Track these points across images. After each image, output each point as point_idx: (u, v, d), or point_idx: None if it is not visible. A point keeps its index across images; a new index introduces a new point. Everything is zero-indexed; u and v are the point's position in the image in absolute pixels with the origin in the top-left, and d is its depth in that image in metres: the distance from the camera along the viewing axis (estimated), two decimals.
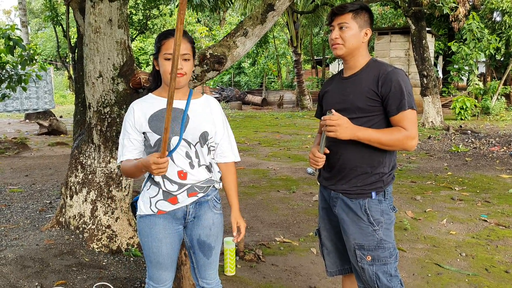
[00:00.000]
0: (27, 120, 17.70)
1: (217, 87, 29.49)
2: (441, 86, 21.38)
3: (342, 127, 2.14)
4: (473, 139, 11.02)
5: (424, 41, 13.78)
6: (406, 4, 14.14)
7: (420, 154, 9.48)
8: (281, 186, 6.82)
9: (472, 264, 3.94)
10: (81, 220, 4.02)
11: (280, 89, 29.15)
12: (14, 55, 8.50)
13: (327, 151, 2.34)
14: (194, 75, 3.68)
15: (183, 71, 2.11)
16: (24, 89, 9.31)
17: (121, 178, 3.99)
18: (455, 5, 15.18)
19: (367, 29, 2.30)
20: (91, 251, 3.82)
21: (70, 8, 4.71)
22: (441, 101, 14.72)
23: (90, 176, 3.99)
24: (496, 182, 6.90)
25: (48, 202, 5.70)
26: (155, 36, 28.10)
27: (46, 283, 3.24)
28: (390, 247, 2.31)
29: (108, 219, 3.96)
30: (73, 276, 3.38)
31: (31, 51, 8.65)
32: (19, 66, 8.85)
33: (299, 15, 21.26)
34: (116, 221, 3.98)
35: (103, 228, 3.94)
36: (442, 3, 13.29)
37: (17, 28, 8.20)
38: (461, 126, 13.44)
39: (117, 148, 3.79)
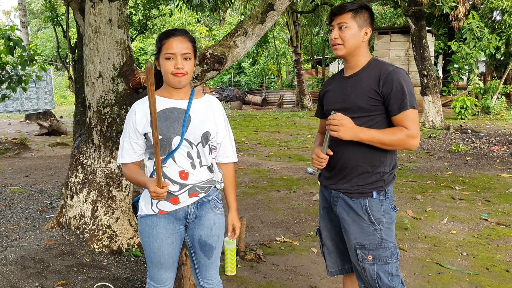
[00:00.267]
0: (27, 121, 17.70)
1: (217, 87, 29.48)
2: (441, 85, 21.37)
3: (345, 127, 2.15)
4: (473, 139, 11.02)
5: (424, 41, 13.78)
6: (406, 4, 14.14)
7: (420, 154, 9.48)
8: (282, 186, 6.82)
9: (473, 263, 3.94)
10: (82, 221, 4.02)
11: (280, 89, 29.15)
12: (14, 55, 8.49)
13: (331, 153, 2.34)
14: (194, 75, 3.68)
15: (184, 70, 2.11)
16: (24, 89, 9.30)
17: (121, 178, 3.99)
18: (455, 4, 15.18)
19: (367, 28, 2.30)
20: (91, 251, 3.81)
21: (70, 8, 4.71)
22: (441, 101, 14.72)
23: (90, 177, 3.99)
24: (497, 181, 6.89)
25: (48, 202, 5.70)
26: (155, 36, 28.11)
27: (46, 284, 3.24)
28: (391, 246, 2.31)
29: (108, 219, 3.96)
30: (74, 276, 3.37)
31: (31, 52, 8.65)
32: (19, 67, 8.85)
33: (299, 14, 21.26)
34: (117, 221, 3.98)
35: (104, 228, 3.94)
36: (442, 3, 13.28)
37: (17, 29, 8.20)
38: (461, 126, 13.44)
39: (117, 148, 3.79)
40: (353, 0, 2.37)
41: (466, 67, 16.79)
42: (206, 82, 4.00)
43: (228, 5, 15.72)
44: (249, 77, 31.45)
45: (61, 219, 4.17)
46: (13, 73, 9.10)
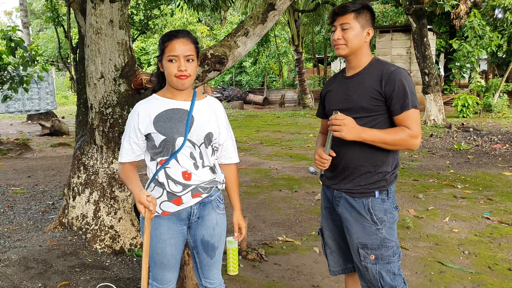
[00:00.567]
0: (29, 121, 17.73)
1: (218, 87, 29.47)
2: (443, 83, 21.34)
3: (348, 127, 2.15)
4: (475, 137, 11.00)
5: (425, 39, 13.75)
6: (407, 2, 14.11)
7: (422, 152, 9.48)
8: (283, 185, 6.82)
9: (475, 262, 3.94)
10: (84, 221, 4.03)
11: (281, 88, 29.13)
12: (16, 56, 8.52)
13: (333, 154, 2.34)
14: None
15: (187, 72, 2.11)
16: (26, 90, 9.32)
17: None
18: (456, 2, 15.16)
19: (369, 28, 2.30)
20: (94, 251, 3.82)
21: (71, 9, 4.72)
22: (443, 99, 14.69)
23: (92, 177, 4.00)
24: (499, 180, 6.89)
25: (50, 203, 5.71)
26: (156, 36, 28.12)
27: (49, 284, 3.25)
28: (393, 245, 2.31)
29: (111, 220, 3.97)
30: (76, 276, 3.39)
31: (33, 52, 8.67)
32: (21, 67, 8.87)
33: (300, 13, 21.25)
34: (119, 221, 3.99)
35: (106, 229, 3.95)
36: (443, 1, 13.27)
37: (18, 30, 8.22)
38: (463, 124, 13.42)
39: (119, 149, 3.80)
40: None
41: (468, 65, 16.75)
42: (208, 82, 4.01)
43: (229, 4, 15.73)
44: (250, 76, 31.44)
45: (63, 220, 4.19)
46: (14, 73, 9.13)
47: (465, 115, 15.32)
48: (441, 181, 6.86)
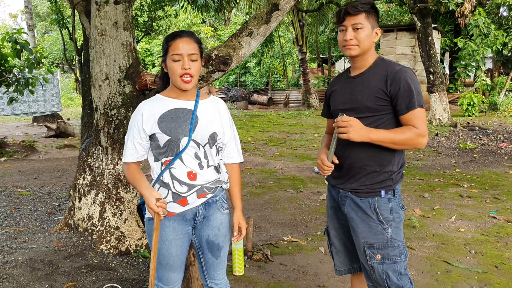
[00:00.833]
0: (35, 123, 17.80)
1: (223, 87, 29.50)
2: (448, 82, 21.26)
3: (354, 128, 2.13)
4: (481, 136, 10.95)
5: (430, 38, 13.71)
6: (412, 1, 14.07)
7: (427, 151, 9.44)
8: (288, 185, 6.81)
9: (482, 261, 3.92)
10: (90, 222, 4.04)
11: (286, 88, 29.11)
12: (21, 58, 8.55)
13: (336, 161, 2.34)
14: (199, 76, 3.69)
15: (190, 71, 2.12)
16: (32, 92, 9.35)
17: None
18: (461, 1, 15.09)
19: (378, 28, 2.30)
20: (100, 252, 3.84)
21: (75, 11, 4.73)
22: (448, 98, 14.63)
23: (98, 178, 4.01)
24: (505, 179, 6.85)
25: (56, 204, 5.73)
26: (160, 37, 28.20)
27: (56, 285, 3.27)
28: (399, 245, 2.31)
29: (116, 221, 3.98)
30: (83, 278, 3.40)
31: (38, 55, 8.70)
32: (26, 70, 8.90)
33: (304, 13, 21.23)
34: (125, 222, 4.00)
35: (112, 230, 3.96)
36: None
37: (23, 32, 8.25)
38: (468, 123, 13.36)
39: None
40: None
41: (473, 63, 16.69)
42: (212, 82, 4.01)
43: (233, 5, 15.73)
44: (254, 76, 31.45)
45: (69, 221, 4.20)
46: (20, 76, 9.16)
47: (470, 114, 15.26)
48: (447, 180, 6.84)
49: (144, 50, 31.03)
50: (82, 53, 5.05)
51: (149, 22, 15.31)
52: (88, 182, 4.06)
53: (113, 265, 3.68)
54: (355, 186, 2.33)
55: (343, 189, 2.39)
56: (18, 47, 7.94)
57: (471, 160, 8.40)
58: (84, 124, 4.75)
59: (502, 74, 20.00)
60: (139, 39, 16.37)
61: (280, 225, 5.01)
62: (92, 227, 4.02)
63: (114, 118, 3.84)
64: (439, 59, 15.61)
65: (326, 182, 2.53)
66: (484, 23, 15.29)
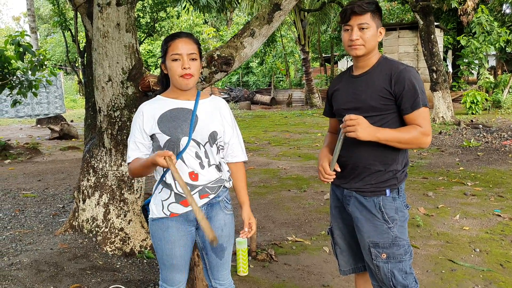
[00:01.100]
0: (38, 125, 17.85)
1: (225, 88, 29.51)
2: (451, 80, 21.20)
3: (362, 126, 2.12)
4: (484, 133, 10.91)
5: (432, 36, 13.67)
6: None
7: (431, 150, 9.42)
8: (292, 185, 6.81)
9: (487, 259, 3.91)
10: (94, 224, 4.05)
11: (288, 88, 29.10)
12: (24, 61, 8.57)
13: (338, 169, 2.35)
14: (202, 77, 3.69)
15: (190, 70, 2.12)
16: (35, 94, 9.37)
17: (133, 181, 4.02)
18: None
19: (382, 28, 2.30)
20: (104, 254, 3.84)
21: (78, 13, 4.74)
22: (451, 96, 14.59)
23: (102, 180, 4.02)
24: (509, 176, 6.83)
25: (61, 206, 5.75)
26: (163, 38, 28.20)
27: (61, 287, 3.28)
28: (404, 244, 2.31)
29: (120, 222, 3.99)
30: (88, 279, 3.40)
31: (41, 57, 8.71)
32: (29, 72, 8.93)
33: (306, 13, 21.23)
34: (129, 223, 4.01)
35: (116, 231, 3.97)
36: None
37: (26, 35, 8.27)
38: (472, 121, 13.33)
39: None
40: None
41: (476, 61, 16.63)
42: (215, 83, 4.02)
43: (235, 5, 15.74)
44: (257, 76, 31.44)
45: (74, 223, 4.21)
46: (23, 78, 9.18)
47: (474, 112, 15.22)
48: (451, 179, 6.82)
49: (147, 52, 31.07)
50: (85, 55, 5.07)
51: (152, 24, 15.33)
52: (92, 184, 4.07)
53: (117, 266, 3.68)
54: (360, 185, 2.33)
55: (347, 189, 2.39)
56: (21, 49, 7.96)
57: (475, 158, 8.37)
58: (87, 126, 4.76)
59: (506, 71, 19.94)
60: (142, 40, 16.40)
61: (284, 225, 5.01)
62: (96, 229, 4.03)
63: (118, 120, 3.84)
64: (442, 57, 15.56)
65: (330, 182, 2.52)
66: (487, 20, 15.23)
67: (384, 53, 17.52)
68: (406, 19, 23.26)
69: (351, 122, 2.12)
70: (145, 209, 2.38)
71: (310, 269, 3.84)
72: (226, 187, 2.33)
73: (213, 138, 2.22)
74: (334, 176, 2.36)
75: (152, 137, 2.19)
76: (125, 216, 4.00)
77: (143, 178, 4.11)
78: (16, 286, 3.23)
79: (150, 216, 2.27)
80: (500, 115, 15.00)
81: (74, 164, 8.95)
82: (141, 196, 4.09)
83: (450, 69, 23.08)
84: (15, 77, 9.12)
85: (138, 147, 2.20)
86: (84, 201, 4.11)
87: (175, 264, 2.26)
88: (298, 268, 3.86)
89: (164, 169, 2.19)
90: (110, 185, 4.00)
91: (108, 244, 3.92)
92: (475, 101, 15.15)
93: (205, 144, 2.20)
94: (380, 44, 19.58)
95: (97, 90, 3.88)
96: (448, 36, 21.60)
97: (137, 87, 3.81)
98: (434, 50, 13.64)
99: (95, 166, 4.06)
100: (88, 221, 4.08)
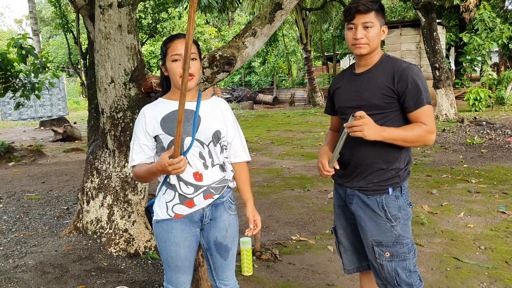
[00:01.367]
0: (42, 128, 17.91)
1: (228, 88, 29.53)
2: (454, 77, 21.16)
3: (369, 126, 2.11)
4: (488, 130, 10.89)
5: (435, 33, 13.64)
6: None
7: (435, 147, 9.40)
8: (296, 184, 6.81)
9: (492, 257, 3.90)
10: (98, 225, 4.06)
11: (291, 87, 29.09)
12: (27, 63, 8.59)
13: (337, 166, 2.36)
14: (204, 77, 3.70)
15: (191, 70, 2.12)
16: (38, 97, 9.40)
17: (137, 182, 4.02)
18: None
19: (385, 26, 2.29)
20: (109, 255, 3.85)
21: (80, 15, 4.75)
22: (454, 93, 14.56)
23: (105, 181, 4.03)
24: None
25: (65, 208, 5.76)
26: (165, 39, 28.18)
27: None
28: (408, 242, 2.30)
29: (125, 223, 3.99)
30: (93, 280, 3.41)
31: (43, 59, 8.74)
32: (32, 75, 8.95)
33: (307, 12, 21.20)
34: (133, 224, 4.01)
35: (120, 232, 3.98)
36: None
37: (28, 37, 8.30)
38: (475, 118, 13.29)
39: None
40: None
41: (479, 58, 16.58)
42: (217, 83, 4.02)
43: (237, 5, 15.75)
44: (259, 76, 31.44)
45: (78, 224, 4.22)
46: (26, 81, 9.21)
47: (477, 109, 15.17)
48: (455, 176, 6.80)
49: (149, 53, 31.11)
50: (87, 57, 5.07)
51: (153, 24, 15.35)
52: (96, 185, 4.07)
53: (122, 267, 3.69)
54: (362, 184, 2.33)
55: (350, 188, 2.39)
56: (23, 52, 7.98)
57: (479, 155, 8.35)
58: (90, 127, 4.77)
59: (509, 68, 19.85)
60: (144, 41, 16.42)
61: (288, 224, 5.01)
62: (100, 230, 4.04)
63: (121, 121, 3.85)
64: (444, 55, 15.53)
65: (333, 181, 2.52)
66: (489, 17, 15.18)
67: (386, 51, 17.44)
68: (408, 16, 23.23)
69: (358, 122, 2.11)
70: (148, 211, 2.38)
71: (315, 268, 3.84)
72: (230, 187, 2.34)
73: (216, 137, 2.22)
74: (333, 172, 2.37)
75: (156, 138, 2.19)
76: (129, 217, 4.01)
77: None
78: None
79: (154, 217, 2.27)
80: (504, 112, 14.95)
81: (78, 166, 8.97)
82: (145, 197, 4.10)
83: (453, 66, 23.02)
84: (18, 79, 9.14)
85: (142, 149, 2.20)
86: (88, 202, 4.12)
87: (180, 265, 2.27)
88: (302, 267, 3.86)
89: None
90: (114, 186, 4.01)
91: (113, 245, 3.93)
92: (478, 98, 15.10)
93: (208, 144, 2.20)
94: (382, 42, 19.50)
95: (99, 91, 3.89)
96: (451, 33, 21.54)
97: (140, 88, 3.82)
98: (436, 47, 13.61)
99: (98, 168, 4.07)
100: (93, 222, 4.09)
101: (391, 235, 2.28)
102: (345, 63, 31.25)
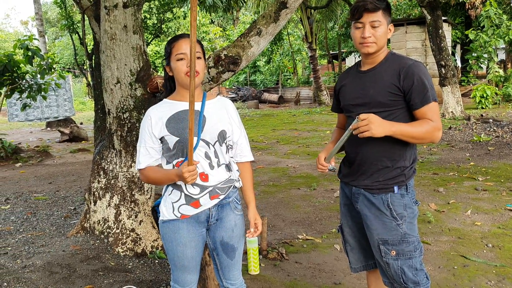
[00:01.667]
0: (48, 128, 18.00)
1: (233, 87, 29.54)
2: (460, 75, 21.06)
3: (375, 124, 2.09)
4: (495, 128, 10.83)
5: (440, 31, 13.57)
6: None
7: (441, 145, 9.37)
8: (302, 183, 6.81)
9: (499, 255, 3.88)
10: (106, 225, 4.07)
11: (296, 86, 29.07)
12: (33, 65, 8.64)
13: (333, 163, 2.40)
14: (209, 77, 3.70)
15: (196, 68, 2.13)
16: (44, 97, 9.47)
17: (143, 182, 4.03)
18: None
19: (391, 24, 2.29)
20: (116, 255, 3.87)
21: (85, 16, 4.77)
22: (460, 91, 14.48)
23: (112, 181, 4.05)
24: None
25: (72, 208, 5.79)
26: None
27: None
28: (414, 240, 2.29)
29: (132, 223, 4.01)
30: (100, 280, 3.43)
31: (50, 60, 8.79)
32: (39, 76, 9.02)
33: (312, 10, 21.16)
34: (140, 224, 4.03)
35: (127, 232, 3.99)
36: None
37: (35, 38, 8.35)
38: (482, 115, 13.22)
39: None
40: None
41: (485, 55, 16.49)
42: (222, 82, 4.02)
43: (241, 4, 15.75)
44: (264, 75, 31.44)
45: (85, 224, 4.24)
46: (32, 82, 9.27)
47: (484, 106, 15.09)
48: (461, 174, 6.77)
49: (154, 53, 31.17)
50: (93, 58, 5.09)
51: (158, 25, 15.39)
52: (102, 185, 4.09)
53: (129, 267, 3.70)
54: (368, 182, 2.32)
55: (355, 186, 2.39)
56: (29, 53, 8.04)
57: (486, 153, 8.31)
58: (97, 128, 4.79)
59: None
60: (149, 41, 16.46)
61: (294, 223, 5.01)
62: (107, 230, 4.06)
63: (127, 121, 3.86)
64: (450, 52, 15.45)
65: (331, 170, 2.51)
66: (495, 13, 15.09)
67: (392, 49, 17.38)
68: (413, 14, 23.11)
69: (363, 123, 2.10)
70: (154, 211, 2.39)
71: (322, 267, 3.84)
72: (236, 187, 2.34)
73: (222, 137, 2.22)
74: (327, 166, 2.40)
75: (162, 140, 2.20)
76: (136, 217, 4.02)
77: None
78: None
79: (160, 218, 2.27)
80: (511, 109, 14.86)
81: (85, 166, 9.01)
82: (152, 197, 4.11)
83: (459, 64, 22.91)
84: (24, 81, 9.20)
85: (148, 152, 2.21)
86: (95, 202, 4.14)
87: (186, 265, 2.27)
88: (309, 266, 3.86)
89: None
90: (120, 186, 4.02)
91: (120, 245, 3.94)
92: (484, 95, 15.03)
93: (214, 144, 2.20)
94: (388, 40, 19.42)
95: (105, 92, 3.91)
96: (456, 31, 21.43)
97: (145, 89, 3.83)
98: (442, 45, 13.54)
99: (105, 168, 4.09)
100: (100, 222, 4.11)
101: (397, 234, 2.27)
102: (350, 61, 31.18)
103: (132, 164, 3.98)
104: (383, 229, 2.29)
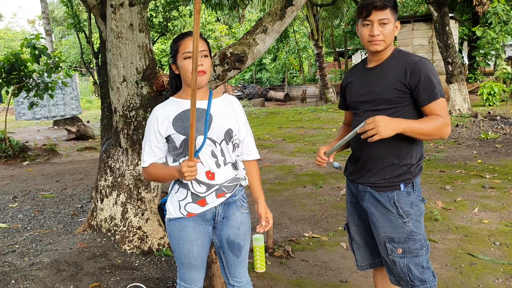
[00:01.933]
0: (55, 127, 18.08)
1: (239, 85, 29.53)
2: (467, 72, 20.93)
3: (382, 125, 2.07)
4: (502, 125, 10.76)
5: (447, 28, 13.50)
6: None
7: (448, 143, 9.32)
8: (308, 181, 6.80)
9: (507, 253, 3.86)
10: (112, 223, 4.09)
11: (302, 83, 29.01)
12: (40, 63, 8.69)
13: (331, 159, 2.43)
14: (215, 75, 3.70)
15: (203, 67, 2.13)
16: (51, 96, 9.51)
17: (146, 180, 4.05)
18: None
19: (398, 22, 2.28)
20: (123, 252, 3.88)
21: (91, 14, 4.79)
22: (467, 88, 14.39)
23: (119, 179, 4.06)
24: None
25: (79, 206, 5.82)
26: None
27: (81, 286, 3.32)
28: (420, 238, 2.29)
29: (138, 221, 4.02)
30: (107, 278, 3.44)
31: (56, 59, 8.83)
32: (45, 74, 9.06)
33: (318, 8, 21.10)
34: (147, 222, 4.04)
35: (134, 230, 4.01)
36: None
37: (41, 37, 8.39)
38: (489, 112, 13.14)
39: None
40: None
41: (493, 52, 16.37)
42: (228, 80, 4.02)
43: (247, 2, 15.72)
44: (270, 73, 31.40)
45: (92, 222, 4.26)
46: (39, 80, 9.32)
47: (491, 104, 14.99)
48: (468, 172, 6.74)
49: (160, 51, 31.21)
50: (99, 56, 5.11)
51: (164, 23, 15.39)
52: (109, 183, 4.11)
53: (136, 264, 3.72)
54: (374, 180, 2.31)
55: (361, 184, 2.38)
56: (36, 52, 8.08)
57: (493, 151, 8.26)
58: (103, 126, 4.80)
59: None
60: (155, 40, 16.47)
61: (300, 221, 5.01)
62: (114, 228, 4.07)
63: (133, 120, 3.87)
64: (457, 49, 15.37)
65: (337, 168, 2.53)
66: (503, 10, 14.97)
67: (398, 46, 17.26)
68: (420, 11, 23.00)
69: (370, 126, 2.08)
70: (161, 209, 2.40)
71: (328, 265, 3.83)
72: (242, 186, 2.34)
73: (228, 135, 2.22)
74: (326, 160, 2.44)
75: (168, 138, 2.20)
76: (142, 214, 4.03)
77: None
78: (37, 285, 3.28)
79: (167, 216, 2.28)
80: None
81: (91, 164, 9.05)
82: (158, 195, 4.12)
83: (466, 61, 22.77)
84: (31, 79, 9.24)
85: (153, 151, 2.22)
86: (102, 200, 4.15)
87: (193, 263, 2.28)
88: (315, 264, 3.86)
89: None
90: (127, 184, 4.04)
91: (127, 242, 3.96)
92: (492, 92, 14.93)
93: (221, 142, 2.20)
94: (394, 38, 19.40)
95: (112, 90, 3.92)
96: (463, 27, 21.30)
97: (152, 87, 3.84)
98: (449, 42, 13.47)
99: (112, 166, 4.10)
100: (107, 220, 4.13)
101: (403, 231, 2.27)
102: (357, 58, 31.08)
103: (139, 162, 3.99)
104: (390, 227, 2.28)
